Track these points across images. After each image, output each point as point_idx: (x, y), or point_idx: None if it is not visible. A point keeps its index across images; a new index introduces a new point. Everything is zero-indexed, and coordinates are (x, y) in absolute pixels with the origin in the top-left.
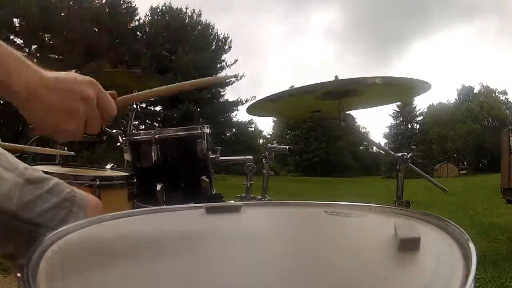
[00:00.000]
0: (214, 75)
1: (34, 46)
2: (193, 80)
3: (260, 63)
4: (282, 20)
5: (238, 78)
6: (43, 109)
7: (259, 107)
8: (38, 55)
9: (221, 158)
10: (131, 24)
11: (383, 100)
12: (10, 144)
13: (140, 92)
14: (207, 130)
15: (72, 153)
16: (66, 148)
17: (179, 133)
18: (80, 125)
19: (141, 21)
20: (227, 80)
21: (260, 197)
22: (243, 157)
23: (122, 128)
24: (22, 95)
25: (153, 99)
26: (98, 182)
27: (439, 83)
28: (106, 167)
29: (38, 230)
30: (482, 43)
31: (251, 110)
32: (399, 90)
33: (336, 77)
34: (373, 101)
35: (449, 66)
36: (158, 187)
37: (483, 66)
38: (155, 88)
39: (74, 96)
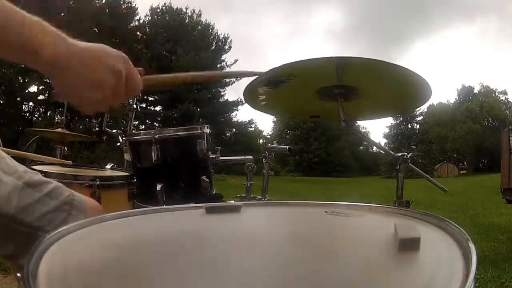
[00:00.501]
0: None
1: None
2: (222, 71)
3: (260, 63)
4: (282, 20)
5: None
6: (73, 78)
7: (255, 95)
8: None
9: (221, 158)
10: (131, 24)
11: (384, 108)
12: (9, 149)
13: (168, 74)
14: (207, 130)
15: (69, 162)
16: (66, 148)
17: (179, 133)
18: (106, 96)
19: (141, 21)
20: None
21: (260, 197)
22: (243, 157)
23: (122, 128)
24: (52, 65)
25: (152, 98)
26: (98, 182)
27: (439, 83)
28: (106, 167)
29: (37, 233)
30: (483, 43)
31: (247, 96)
32: (401, 94)
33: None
34: (373, 108)
35: (449, 66)
36: (158, 187)
37: (483, 66)
38: (184, 73)
39: (105, 68)
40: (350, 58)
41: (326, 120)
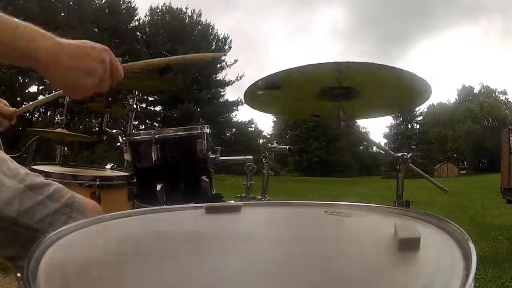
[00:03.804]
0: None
1: None
2: (187, 55)
3: (260, 63)
4: (284, 20)
5: (225, 56)
6: (65, 72)
7: (256, 98)
8: None
9: (221, 158)
10: (131, 24)
11: (383, 107)
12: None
13: (142, 61)
14: (207, 130)
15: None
16: (66, 148)
17: (179, 133)
18: (94, 82)
19: (141, 21)
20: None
21: (260, 197)
22: (243, 157)
23: (122, 128)
24: (45, 61)
25: (152, 98)
26: (98, 182)
27: (439, 83)
28: (106, 167)
29: (38, 235)
30: (485, 43)
31: (248, 98)
32: (400, 94)
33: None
34: (373, 108)
35: (450, 66)
36: (158, 187)
37: (484, 66)
38: (155, 59)
39: (93, 58)
40: (349, 63)
41: (327, 120)
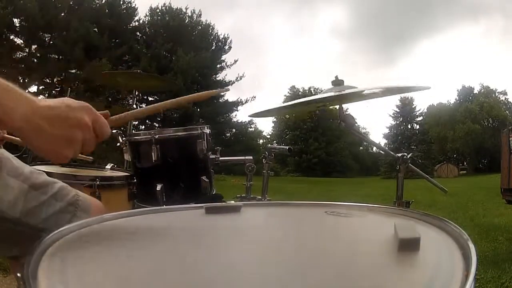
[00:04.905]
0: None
1: (34, 46)
2: (187, 96)
3: (261, 63)
4: (284, 19)
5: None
6: (43, 138)
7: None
8: (38, 55)
9: (221, 158)
10: (131, 24)
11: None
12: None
13: (132, 111)
14: (207, 131)
15: (90, 158)
16: None
17: (179, 133)
18: (77, 149)
19: (141, 21)
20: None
21: (260, 197)
22: (243, 158)
23: (122, 128)
24: (21, 128)
25: (152, 99)
26: (98, 182)
27: (439, 83)
28: (106, 167)
29: (42, 235)
30: (486, 43)
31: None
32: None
33: (336, 77)
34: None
35: (451, 66)
36: (158, 187)
37: (484, 66)
38: (149, 106)
39: (72, 124)
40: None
41: (327, 117)
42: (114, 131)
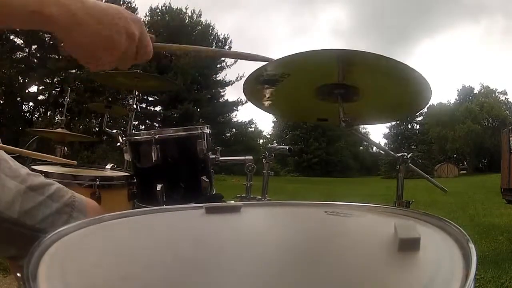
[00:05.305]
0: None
1: (34, 46)
2: (234, 52)
3: (260, 63)
4: (285, 19)
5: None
6: (87, 37)
7: (258, 94)
8: (38, 55)
9: (221, 158)
10: None
11: (383, 112)
12: (11, 147)
13: (178, 45)
14: (207, 130)
15: (74, 162)
16: (66, 148)
17: (179, 133)
18: (115, 58)
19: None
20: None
21: (260, 197)
22: (243, 157)
23: (122, 128)
24: (63, 22)
25: (152, 99)
26: (98, 182)
27: (440, 83)
28: (106, 167)
29: (39, 235)
30: (486, 43)
31: (248, 95)
32: (401, 95)
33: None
34: (374, 112)
35: (451, 66)
36: (158, 187)
37: (485, 66)
38: (194, 46)
39: (119, 29)
40: (353, 51)
41: (334, 123)
42: (114, 131)
